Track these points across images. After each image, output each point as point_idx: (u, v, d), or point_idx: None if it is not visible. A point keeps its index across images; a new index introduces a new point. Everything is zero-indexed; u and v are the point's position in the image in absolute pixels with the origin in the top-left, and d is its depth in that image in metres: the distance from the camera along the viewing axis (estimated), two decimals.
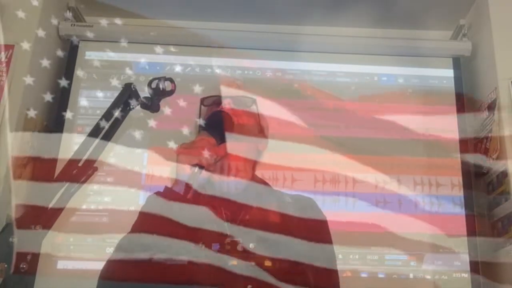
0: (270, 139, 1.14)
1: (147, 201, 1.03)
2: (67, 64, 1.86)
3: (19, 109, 1.62)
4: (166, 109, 0.97)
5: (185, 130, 1.06)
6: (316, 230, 1.03)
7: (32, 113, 1.48)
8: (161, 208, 0.94)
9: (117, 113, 0.92)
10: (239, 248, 0.95)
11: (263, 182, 1.11)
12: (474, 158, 1.81)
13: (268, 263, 0.94)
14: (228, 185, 1.02)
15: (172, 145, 0.97)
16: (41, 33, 1.63)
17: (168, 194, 0.97)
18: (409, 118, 1.86)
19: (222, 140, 0.98)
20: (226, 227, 0.98)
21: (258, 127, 1.12)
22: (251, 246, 0.96)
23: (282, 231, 0.97)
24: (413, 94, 1.91)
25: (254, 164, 1.10)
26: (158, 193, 1.00)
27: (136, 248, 0.92)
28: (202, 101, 1.11)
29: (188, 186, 0.93)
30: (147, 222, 0.96)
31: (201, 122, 1.06)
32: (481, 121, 1.80)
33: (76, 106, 1.83)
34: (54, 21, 1.87)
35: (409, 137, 1.81)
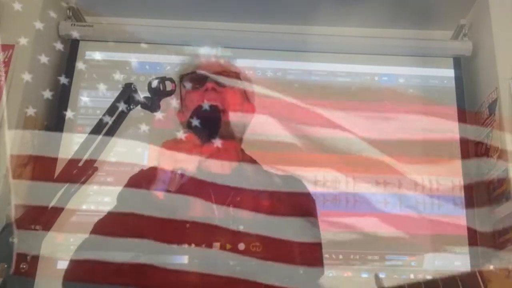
0: (271, 138, 1.14)
1: (121, 197, 1.03)
2: (67, 64, 1.86)
3: (19, 108, 1.63)
4: (166, 109, 0.96)
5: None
6: (304, 208, 1.03)
7: (31, 111, 1.48)
8: (142, 200, 0.93)
9: (117, 113, 0.91)
10: (230, 240, 0.95)
11: (251, 160, 1.10)
12: (474, 158, 1.81)
13: (256, 246, 0.94)
14: (216, 168, 1.01)
15: (181, 135, 0.95)
16: (41, 32, 1.63)
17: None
18: (410, 118, 1.86)
19: (208, 138, 0.95)
20: (214, 210, 0.97)
21: (244, 103, 1.11)
22: (240, 228, 0.95)
23: (271, 212, 0.96)
24: (414, 94, 1.91)
25: (241, 142, 1.10)
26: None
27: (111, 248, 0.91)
28: (181, 78, 1.08)
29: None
30: (126, 222, 0.95)
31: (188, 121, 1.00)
32: (481, 121, 1.80)
33: (76, 106, 1.83)
34: (55, 21, 1.87)
35: (409, 137, 1.81)
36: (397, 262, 1.71)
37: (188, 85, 1.07)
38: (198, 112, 0.98)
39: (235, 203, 0.98)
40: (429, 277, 1.72)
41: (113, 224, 0.97)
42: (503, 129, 1.66)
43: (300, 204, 1.03)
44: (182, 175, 0.90)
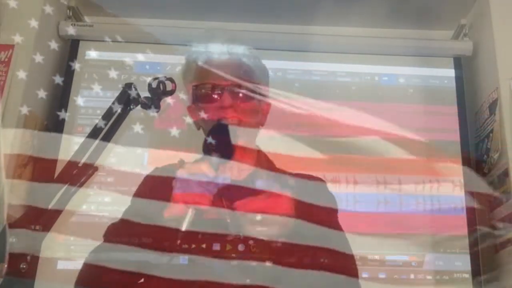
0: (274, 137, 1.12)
1: (135, 199, 1.01)
2: (67, 64, 1.86)
3: (19, 108, 1.62)
4: (167, 109, 0.96)
5: (188, 124, 1.04)
6: (322, 219, 0.98)
7: (25, 109, 1.48)
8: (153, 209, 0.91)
9: (117, 113, 0.91)
10: (240, 248, 0.93)
11: (267, 160, 1.08)
12: (475, 158, 1.81)
13: (268, 259, 0.91)
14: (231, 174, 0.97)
15: (175, 132, 0.93)
16: (40, 32, 1.63)
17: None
18: (410, 118, 1.86)
19: (223, 160, 0.92)
20: (227, 217, 0.95)
21: (261, 104, 1.09)
22: (250, 242, 0.93)
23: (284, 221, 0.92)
24: (414, 94, 1.91)
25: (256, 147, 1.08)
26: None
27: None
28: (196, 86, 1.05)
29: None
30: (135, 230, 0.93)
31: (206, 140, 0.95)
32: (482, 121, 1.80)
33: (76, 106, 1.83)
34: (54, 21, 1.87)
35: (410, 137, 1.81)
36: (397, 263, 1.70)
37: (202, 93, 1.04)
38: (209, 140, 0.94)
39: (247, 211, 0.94)
40: (429, 277, 1.72)
41: (125, 231, 0.96)
42: (503, 129, 1.66)
43: (318, 213, 0.98)
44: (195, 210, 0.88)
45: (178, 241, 0.89)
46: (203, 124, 1.05)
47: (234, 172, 0.98)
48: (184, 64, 1.14)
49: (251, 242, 0.93)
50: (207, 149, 0.92)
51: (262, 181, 0.99)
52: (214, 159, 0.91)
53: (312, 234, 0.92)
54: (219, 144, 0.92)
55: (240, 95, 1.03)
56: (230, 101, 1.01)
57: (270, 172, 1.06)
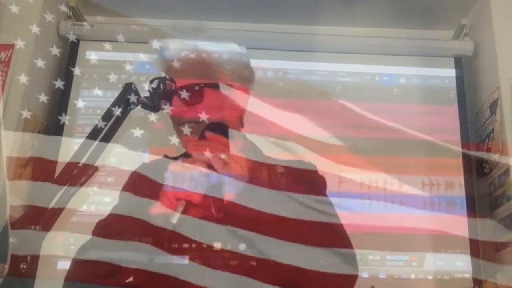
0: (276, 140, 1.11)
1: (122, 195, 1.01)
2: (67, 64, 1.86)
3: (19, 109, 1.62)
4: (167, 109, 0.96)
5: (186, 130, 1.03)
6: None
7: (27, 113, 1.47)
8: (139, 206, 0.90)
9: (117, 113, 0.91)
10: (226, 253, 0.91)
11: (254, 148, 1.06)
12: (475, 158, 1.81)
13: (254, 265, 0.89)
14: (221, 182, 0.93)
15: (174, 140, 0.92)
16: (40, 32, 1.62)
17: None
18: (411, 118, 1.86)
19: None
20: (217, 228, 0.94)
21: (235, 90, 1.03)
22: (241, 247, 0.91)
23: (278, 233, 0.88)
24: (415, 94, 1.91)
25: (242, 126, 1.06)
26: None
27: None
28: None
29: None
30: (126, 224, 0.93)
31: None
32: (483, 121, 1.80)
33: (76, 106, 1.83)
34: (54, 21, 1.86)
35: (410, 137, 1.81)
36: (398, 263, 1.70)
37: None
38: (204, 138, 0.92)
39: (239, 220, 0.91)
40: (430, 277, 1.72)
41: (114, 226, 0.95)
42: (504, 129, 1.65)
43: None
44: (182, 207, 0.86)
45: (165, 239, 0.88)
46: (179, 121, 1.00)
47: (223, 167, 0.93)
48: (152, 64, 1.10)
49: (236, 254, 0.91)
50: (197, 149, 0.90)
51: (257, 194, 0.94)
52: (203, 156, 0.89)
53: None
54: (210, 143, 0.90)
55: (210, 91, 0.99)
56: (200, 100, 0.97)
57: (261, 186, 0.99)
